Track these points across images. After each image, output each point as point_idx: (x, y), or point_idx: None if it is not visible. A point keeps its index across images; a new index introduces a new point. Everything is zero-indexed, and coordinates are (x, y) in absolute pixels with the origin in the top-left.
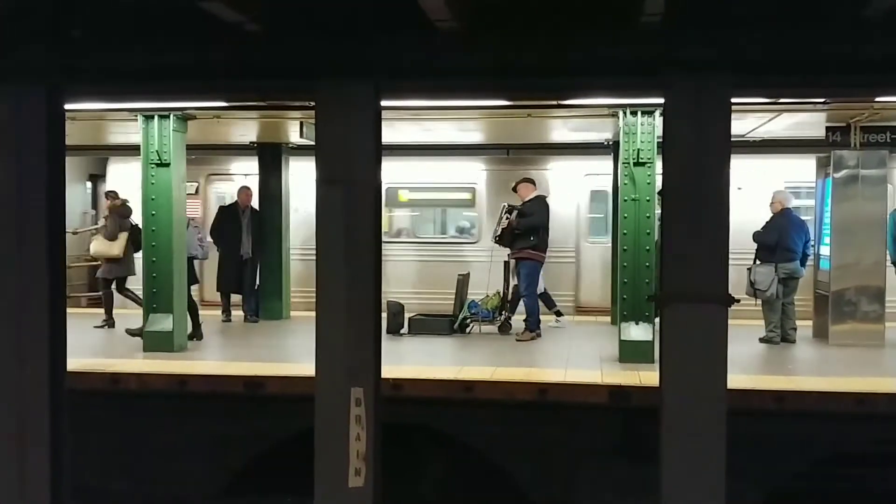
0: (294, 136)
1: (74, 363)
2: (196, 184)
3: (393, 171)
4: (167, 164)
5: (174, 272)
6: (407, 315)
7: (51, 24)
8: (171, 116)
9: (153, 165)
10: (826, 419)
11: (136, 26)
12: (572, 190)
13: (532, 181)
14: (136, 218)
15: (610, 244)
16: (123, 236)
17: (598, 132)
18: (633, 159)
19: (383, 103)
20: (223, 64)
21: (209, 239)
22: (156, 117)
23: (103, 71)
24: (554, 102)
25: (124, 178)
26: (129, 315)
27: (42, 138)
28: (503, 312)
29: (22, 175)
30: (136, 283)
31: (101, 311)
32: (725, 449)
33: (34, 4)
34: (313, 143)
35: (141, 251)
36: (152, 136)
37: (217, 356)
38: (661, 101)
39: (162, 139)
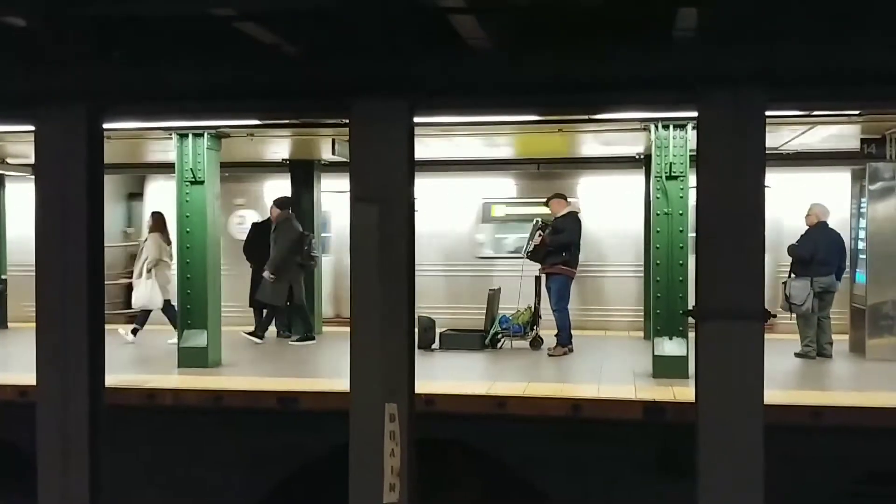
0: (326, 153)
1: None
2: None
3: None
4: (201, 182)
5: (208, 288)
6: (438, 330)
7: (92, 45)
8: (206, 134)
9: (188, 183)
10: (864, 435)
11: (175, 47)
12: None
13: (564, 196)
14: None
15: None
16: None
17: (630, 146)
18: (666, 173)
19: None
20: (259, 83)
21: None
22: (190, 135)
23: (142, 91)
24: (585, 117)
25: None
26: None
27: (83, 155)
28: (534, 327)
29: (63, 191)
30: None
31: None
32: (763, 464)
33: (76, 25)
34: (345, 159)
35: None
36: (187, 155)
37: (250, 372)
38: (695, 114)
39: (196, 157)
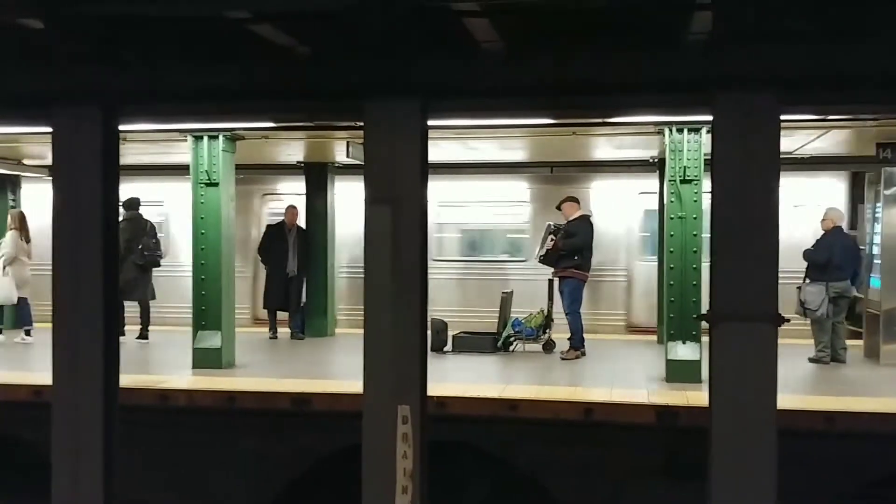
0: (340, 155)
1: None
2: None
3: None
4: (216, 184)
5: (223, 290)
6: (450, 333)
7: (106, 47)
8: (221, 137)
9: (202, 185)
10: (878, 440)
11: (188, 49)
12: None
13: (577, 200)
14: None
15: None
16: None
17: (644, 149)
18: (680, 177)
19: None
20: (272, 85)
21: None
22: (205, 137)
23: (156, 92)
24: (599, 120)
25: None
26: None
27: (98, 157)
28: (547, 331)
29: (79, 192)
30: None
31: None
32: (776, 469)
33: (90, 27)
34: (359, 162)
35: None
36: (202, 156)
37: (265, 373)
38: (709, 118)
39: (211, 159)
